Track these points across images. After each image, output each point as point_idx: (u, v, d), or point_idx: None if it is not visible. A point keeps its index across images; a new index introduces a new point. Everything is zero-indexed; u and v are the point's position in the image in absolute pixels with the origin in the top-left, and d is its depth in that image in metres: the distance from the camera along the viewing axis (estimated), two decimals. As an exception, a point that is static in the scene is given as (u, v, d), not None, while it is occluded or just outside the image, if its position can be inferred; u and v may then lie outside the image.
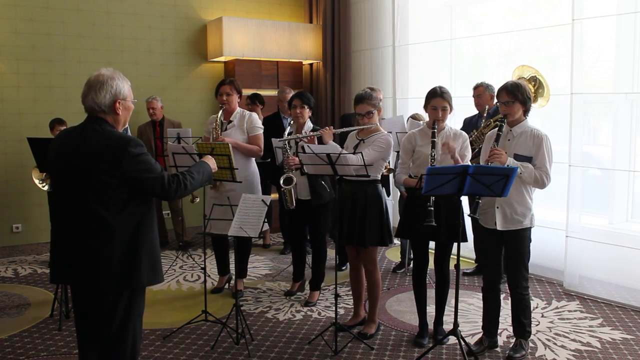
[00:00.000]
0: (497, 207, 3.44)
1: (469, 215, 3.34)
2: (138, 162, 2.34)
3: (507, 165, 3.31)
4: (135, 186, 2.37)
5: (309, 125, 4.51)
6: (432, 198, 3.34)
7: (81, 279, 2.37)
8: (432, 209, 3.32)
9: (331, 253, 5.96)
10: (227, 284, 4.94)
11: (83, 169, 2.33)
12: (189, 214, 6.63)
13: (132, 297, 2.44)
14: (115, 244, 2.34)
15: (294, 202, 4.41)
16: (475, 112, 5.23)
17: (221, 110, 4.54)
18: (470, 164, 3.41)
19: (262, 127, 4.70)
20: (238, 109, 4.64)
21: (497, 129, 3.46)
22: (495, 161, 3.33)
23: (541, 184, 3.39)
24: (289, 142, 4.39)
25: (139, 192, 2.39)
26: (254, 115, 4.67)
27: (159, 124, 6.17)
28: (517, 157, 3.41)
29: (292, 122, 4.53)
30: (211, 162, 2.80)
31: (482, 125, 4.93)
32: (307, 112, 4.47)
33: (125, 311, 2.42)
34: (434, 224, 3.30)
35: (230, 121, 4.59)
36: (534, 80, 4.66)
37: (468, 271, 5.29)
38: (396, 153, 5.40)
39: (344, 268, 5.42)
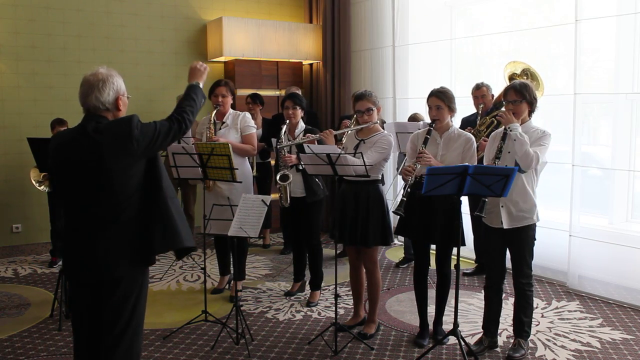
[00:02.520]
0: (502, 206, 3.44)
1: (475, 214, 3.34)
2: (144, 136, 2.35)
3: (509, 128, 3.36)
4: (155, 151, 2.41)
5: (301, 125, 4.58)
6: (408, 189, 3.43)
7: (109, 268, 2.39)
8: (405, 199, 3.40)
9: (330, 252, 5.96)
10: (227, 285, 4.94)
11: (94, 164, 2.33)
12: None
13: (141, 287, 2.47)
14: (133, 227, 2.38)
15: (289, 200, 4.43)
16: (472, 111, 5.23)
17: (215, 111, 4.55)
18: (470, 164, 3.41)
19: (255, 126, 4.74)
20: (230, 110, 4.65)
21: (503, 127, 3.47)
22: (503, 122, 3.41)
23: (529, 161, 3.32)
24: (283, 140, 4.44)
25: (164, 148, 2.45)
26: (247, 115, 4.69)
27: None
28: None
29: (288, 121, 4.57)
30: (197, 76, 2.76)
31: (478, 122, 4.95)
32: (300, 113, 4.55)
33: (133, 304, 2.44)
34: (403, 214, 3.38)
35: (224, 122, 4.59)
36: (526, 73, 4.66)
37: (468, 271, 5.29)
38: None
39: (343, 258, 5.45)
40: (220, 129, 4.57)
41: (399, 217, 3.88)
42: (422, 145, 3.54)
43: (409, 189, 3.45)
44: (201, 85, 2.75)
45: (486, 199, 3.31)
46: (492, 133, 3.69)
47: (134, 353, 2.51)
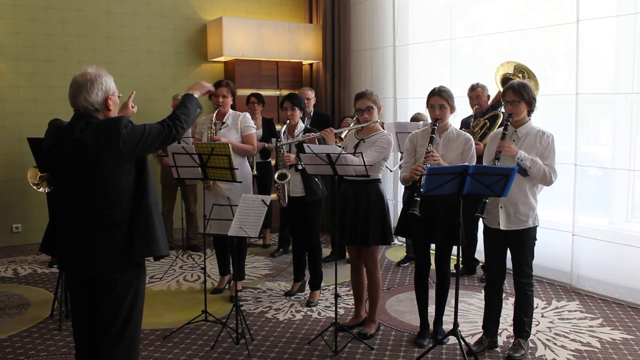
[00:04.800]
0: (501, 207, 3.44)
1: (476, 215, 3.34)
2: (132, 137, 2.36)
3: (518, 159, 3.32)
4: (143, 153, 2.42)
5: (301, 125, 4.59)
6: (421, 189, 3.36)
7: (102, 268, 2.40)
8: (418, 199, 3.34)
9: (326, 252, 5.95)
10: (227, 285, 4.94)
11: (84, 164, 2.34)
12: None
13: (138, 286, 2.48)
14: (124, 227, 2.39)
15: (287, 199, 4.43)
16: (470, 112, 5.22)
17: (216, 112, 4.56)
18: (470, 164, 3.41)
19: (255, 126, 4.75)
20: (230, 111, 4.66)
21: (502, 128, 3.46)
22: (507, 154, 3.32)
23: (549, 180, 3.39)
24: (282, 140, 4.45)
25: (151, 152, 2.45)
26: (247, 115, 4.71)
27: None
28: None
29: (288, 122, 4.56)
30: (197, 89, 2.78)
31: (472, 124, 4.93)
32: (298, 114, 4.55)
33: (130, 306, 2.45)
34: (417, 213, 3.32)
35: (224, 122, 4.60)
36: (521, 71, 4.64)
37: (453, 271, 5.26)
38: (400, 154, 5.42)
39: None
40: (220, 129, 4.58)
41: (399, 217, 3.89)
42: (429, 144, 3.53)
43: (421, 189, 3.41)
44: (197, 96, 2.74)
45: (487, 200, 3.31)
46: (492, 133, 3.69)
47: (131, 355, 2.51)
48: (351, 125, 3.99)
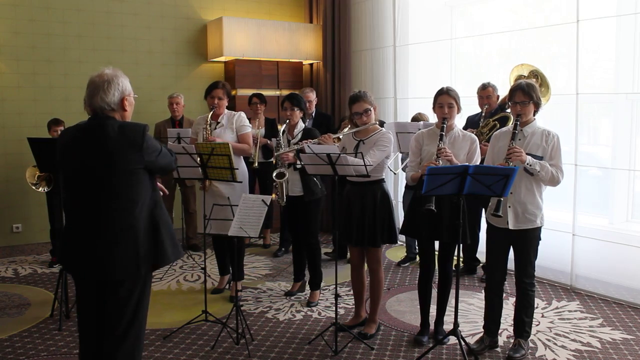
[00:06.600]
0: (510, 207, 3.44)
1: (492, 214, 3.35)
2: (152, 147, 2.46)
3: (528, 164, 3.32)
4: (154, 165, 2.50)
5: (300, 125, 4.58)
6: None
7: (107, 270, 2.41)
8: (434, 195, 3.34)
9: (327, 251, 5.96)
10: (227, 285, 4.94)
11: (106, 164, 2.36)
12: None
13: (144, 287, 2.50)
14: (139, 232, 2.41)
15: (285, 198, 4.42)
16: (473, 111, 5.21)
17: (211, 112, 4.57)
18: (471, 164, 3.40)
19: (250, 125, 4.75)
20: (225, 111, 4.67)
21: (511, 128, 3.46)
22: (516, 159, 3.31)
23: (557, 181, 3.40)
24: (282, 139, 4.47)
25: (155, 172, 2.54)
26: (242, 114, 4.70)
27: (178, 123, 6.11)
28: None
29: (288, 121, 4.57)
30: None
31: (481, 124, 4.92)
32: (298, 114, 4.54)
33: (135, 305, 2.46)
34: (434, 208, 3.33)
35: (219, 122, 4.61)
36: (535, 75, 4.63)
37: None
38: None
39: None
40: (215, 129, 4.58)
41: (404, 217, 3.89)
42: (440, 141, 3.53)
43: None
44: None
45: (502, 198, 3.31)
46: (496, 132, 3.67)
47: (135, 355, 2.51)
48: (348, 130, 3.96)
